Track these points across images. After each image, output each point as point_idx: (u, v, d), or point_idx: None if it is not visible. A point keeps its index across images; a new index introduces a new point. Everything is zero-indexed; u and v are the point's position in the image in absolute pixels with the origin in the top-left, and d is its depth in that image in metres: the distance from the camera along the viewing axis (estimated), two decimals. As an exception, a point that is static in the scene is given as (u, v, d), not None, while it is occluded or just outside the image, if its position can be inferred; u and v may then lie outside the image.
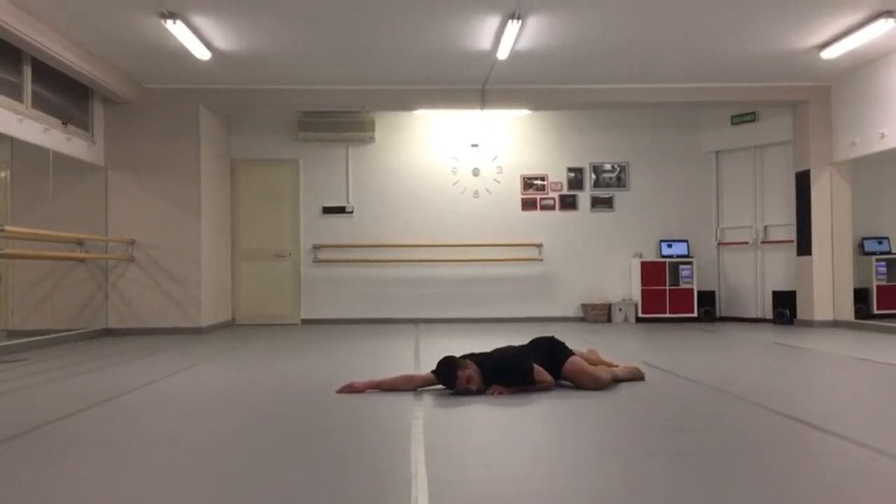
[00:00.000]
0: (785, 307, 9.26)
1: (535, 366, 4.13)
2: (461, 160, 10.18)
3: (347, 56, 7.62)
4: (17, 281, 8.10)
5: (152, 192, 8.60)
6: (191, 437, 3.20)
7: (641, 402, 3.94)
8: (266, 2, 6.17)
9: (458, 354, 4.21)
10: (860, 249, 9.41)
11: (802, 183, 9.04)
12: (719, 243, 10.28)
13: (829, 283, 8.83)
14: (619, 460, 2.72)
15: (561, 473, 2.56)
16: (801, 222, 9.06)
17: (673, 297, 9.80)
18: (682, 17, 6.62)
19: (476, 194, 10.18)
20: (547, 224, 10.19)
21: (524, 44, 7.23)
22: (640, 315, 9.83)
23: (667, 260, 9.89)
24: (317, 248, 10.01)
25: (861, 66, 8.20)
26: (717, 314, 10.04)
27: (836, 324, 8.76)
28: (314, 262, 10.01)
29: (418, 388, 4.19)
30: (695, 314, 9.77)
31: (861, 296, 9.12)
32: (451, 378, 4.01)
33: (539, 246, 10.16)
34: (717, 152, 10.29)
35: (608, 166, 10.28)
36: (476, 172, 10.19)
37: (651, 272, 9.84)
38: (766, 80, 8.70)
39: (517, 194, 10.21)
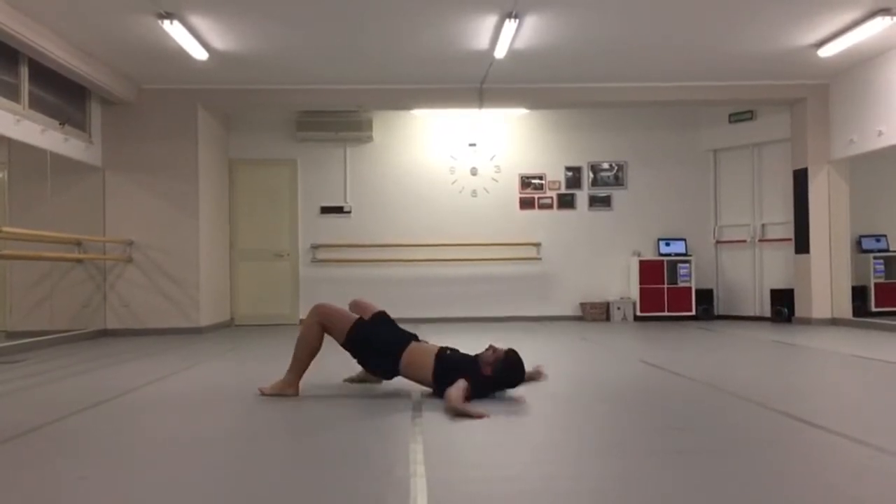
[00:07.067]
0: (783, 305, 9.27)
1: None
2: (459, 159, 10.18)
3: (345, 56, 7.62)
4: (16, 282, 8.09)
5: (150, 192, 8.59)
6: (189, 437, 3.20)
7: (640, 401, 3.95)
8: (263, 2, 6.17)
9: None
10: (858, 247, 9.41)
11: (800, 181, 9.05)
12: (717, 241, 10.28)
13: (827, 280, 8.85)
14: (618, 459, 2.72)
15: (561, 473, 2.56)
16: (799, 220, 9.07)
17: (671, 295, 9.80)
18: (679, 15, 6.62)
19: (474, 193, 10.18)
20: (545, 223, 10.19)
21: (522, 43, 7.23)
22: (639, 313, 9.83)
23: (665, 258, 9.89)
24: (315, 248, 10.01)
25: (859, 64, 8.20)
26: (716, 312, 10.05)
27: (834, 322, 8.77)
28: (312, 262, 10.01)
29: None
30: (693, 312, 9.78)
31: (859, 293, 9.12)
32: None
33: (537, 245, 10.16)
34: (715, 151, 10.29)
35: (606, 165, 10.28)
36: (474, 172, 10.18)
37: (649, 271, 9.84)
38: (763, 79, 8.71)
39: (515, 193, 10.21)
